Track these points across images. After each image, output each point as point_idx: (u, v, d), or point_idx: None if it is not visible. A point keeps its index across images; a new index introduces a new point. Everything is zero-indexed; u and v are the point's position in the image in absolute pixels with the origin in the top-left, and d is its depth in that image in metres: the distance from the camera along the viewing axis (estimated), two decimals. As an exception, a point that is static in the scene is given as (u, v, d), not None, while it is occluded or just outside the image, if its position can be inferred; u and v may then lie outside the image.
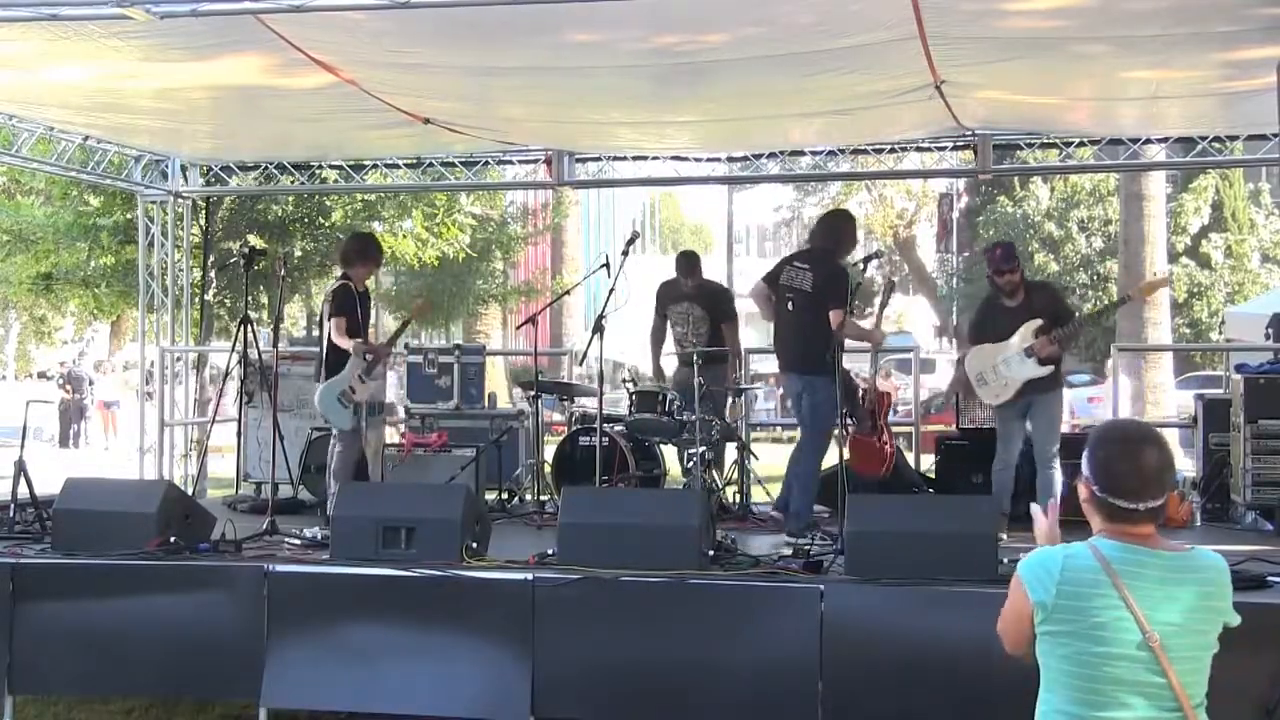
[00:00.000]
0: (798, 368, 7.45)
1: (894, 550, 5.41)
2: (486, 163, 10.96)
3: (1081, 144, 9.97)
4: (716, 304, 8.97)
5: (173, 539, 6.07)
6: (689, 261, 8.99)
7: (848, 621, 5.28)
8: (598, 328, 7.77)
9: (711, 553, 5.78)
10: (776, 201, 42.49)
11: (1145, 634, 2.60)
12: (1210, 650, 2.70)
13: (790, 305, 7.47)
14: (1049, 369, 7.05)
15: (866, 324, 7.60)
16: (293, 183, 11.36)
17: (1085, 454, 2.77)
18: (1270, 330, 10.60)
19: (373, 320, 8.12)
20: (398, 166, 10.89)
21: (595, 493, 7.13)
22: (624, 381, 8.90)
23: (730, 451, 8.84)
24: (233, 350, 9.19)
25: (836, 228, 7.81)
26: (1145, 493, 2.68)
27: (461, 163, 10.76)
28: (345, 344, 7.66)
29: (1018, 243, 29.62)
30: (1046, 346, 7.00)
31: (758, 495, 8.65)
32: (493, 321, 26.96)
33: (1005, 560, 5.51)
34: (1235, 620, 2.73)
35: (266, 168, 10.98)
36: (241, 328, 8.58)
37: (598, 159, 10.50)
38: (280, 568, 5.89)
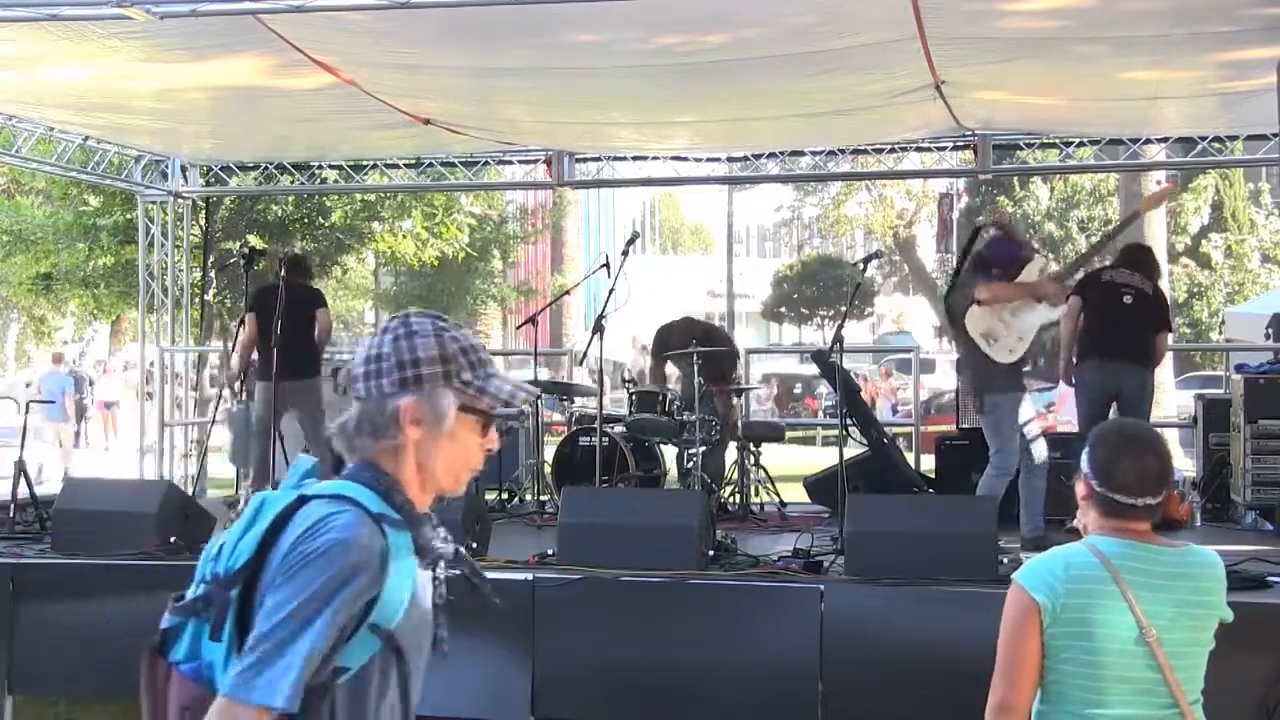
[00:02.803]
0: (1138, 359, 7.31)
1: (894, 550, 5.41)
2: (486, 163, 10.98)
3: (1081, 144, 9.98)
4: (724, 365, 8.75)
5: (173, 539, 6.07)
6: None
7: (848, 621, 5.28)
8: (598, 328, 7.77)
9: (711, 553, 5.78)
10: (776, 201, 42.42)
11: (1143, 629, 2.60)
12: (1206, 647, 2.70)
13: (1128, 299, 7.41)
14: (1060, 311, 6.84)
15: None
16: (293, 183, 11.38)
17: (1085, 452, 2.77)
18: (1270, 330, 10.61)
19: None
20: (398, 166, 10.89)
21: (595, 493, 7.12)
22: (625, 382, 8.87)
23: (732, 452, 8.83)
24: (233, 350, 9.20)
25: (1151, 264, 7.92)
26: (1144, 489, 2.69)
27: (461, 163, 10.78)
28: None
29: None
30: (1054, 287, 6.80)
31: (766, 495, 8.59)
32: (493, 321, 26.98)
33: (1005, 560, 5.52)
34: (1229, 616, 2.74)
35: (266, 168, 11.00)
36: (241, 328, 8.58)
37: (598, 159, 10.51)
38: (280, 568, 5.88)
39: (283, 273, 7.82)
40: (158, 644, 1.94)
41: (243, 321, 8.47)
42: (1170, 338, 8.09)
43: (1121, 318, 7.32)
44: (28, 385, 22.61)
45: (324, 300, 8.51)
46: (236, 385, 8.57)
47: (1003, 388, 6.72)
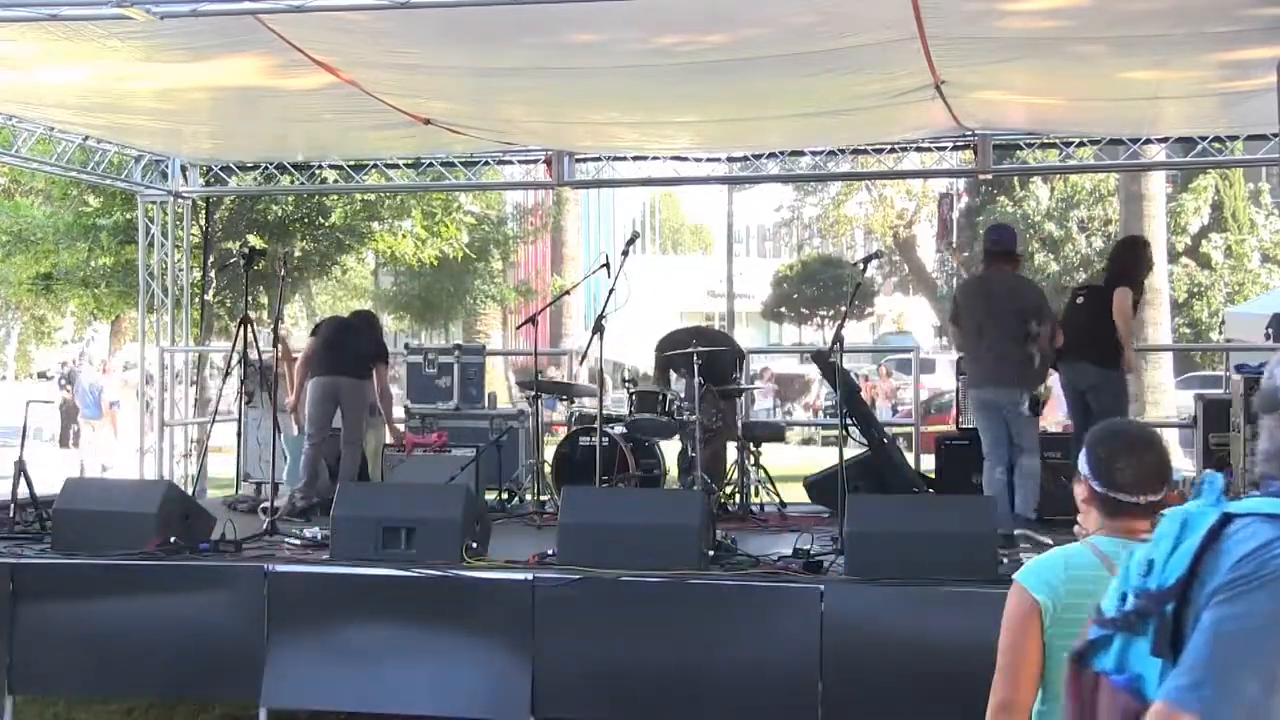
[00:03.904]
0: (1092, 359, 7.48)
1: (894, 550, 5.41)
2: (486, 163, 10.97)
3: (1081, 144, 9.99)
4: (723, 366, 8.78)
5: (173, 539, 6.07)
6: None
7: (848, 621, 5.28)
8: (598, 328, 7.77)
9: (711, 553, 5.78)
10: (776, 201, 42.45)
11: (1144, 630, 2.59)
12: (1209, 647, 2.69)
13: (1080, 300, 7.78)
14: None
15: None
16: (292, 183, 11.38)
17: (1083, 453, 2.77)
18: (1270, 330, 10.59)
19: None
20: (397, 166, 10.90)
21: (595, 493, 7.12)
22: (624, 382, 8.87)
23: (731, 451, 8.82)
24: (233, 350, 9.21)
25: (1122, 253, 8.14)
26: (1144, 487, 2.69)
27: (461, 163, 10.77)
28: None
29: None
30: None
31: (768, 496, 8.57)
32: (493, 321, 26.97)
33: (1005, 560, 5.53)
34: None
35: (266, 168, 11.00)
36: (241, 328, 8.58)
37: (598, 159, 10.50)
38: (280, 568, 5.89)
39: (357, 311, 9.28)
40: (1081, 653, 1.99)
41: (245, 322, 8.50)
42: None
43: (1073, 320, 7.61)
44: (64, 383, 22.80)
45: (387, 358, 8.82)
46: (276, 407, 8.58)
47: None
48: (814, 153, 10.21)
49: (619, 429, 8.52)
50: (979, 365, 7.16)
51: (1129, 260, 7.87)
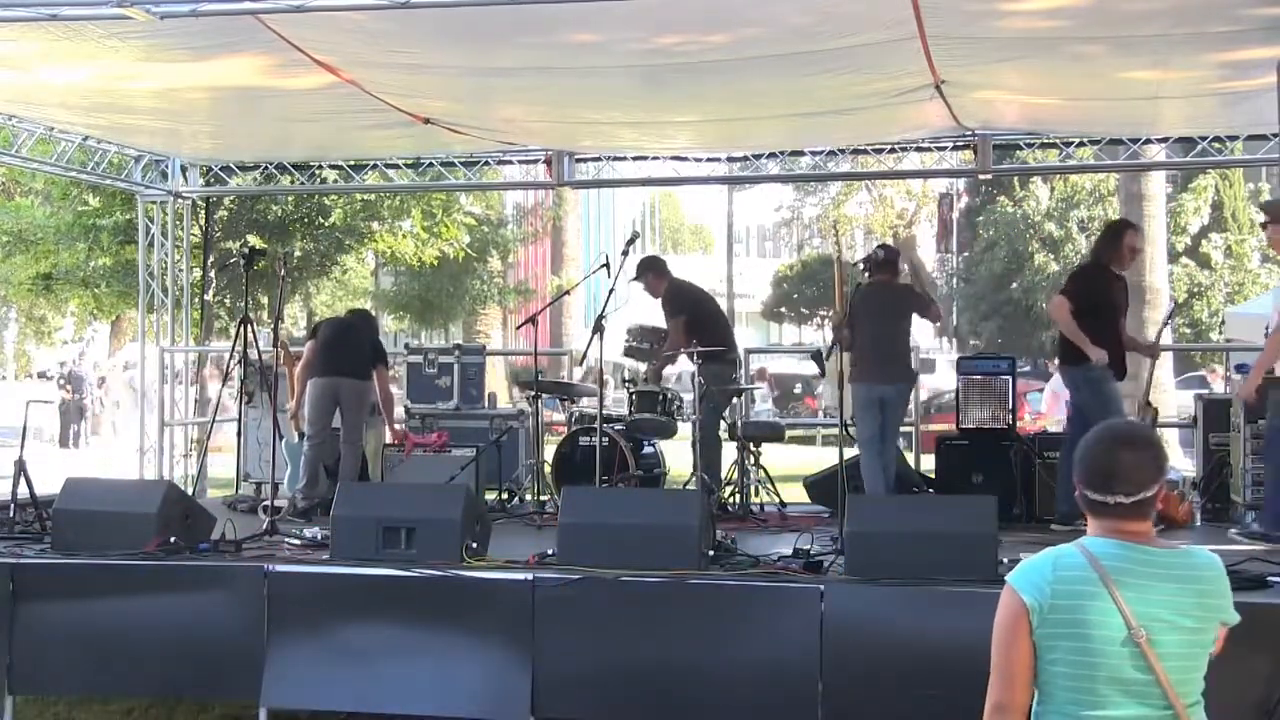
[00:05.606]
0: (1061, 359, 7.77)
1: (894, 550, 5.41)
2: (486, 163, 10.98)
3: (1081, 144, 9.99)
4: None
5: (173, 539, 6.07)
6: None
7: (848, 621, 5.28)
8: (598, 328, 7.77)
9: (711, 553, 5.78)
10: (776, 201, 42.44)
11: (1131, 629, 2.58)
12: (1206, 649, 2.68)
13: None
14: None
15: None
16: (292, 183, 11.38)
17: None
18: (1270, 330, 10.56)
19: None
20: (398, 166, 10.90)
21: (595, 493, 7.12)
22: (624, 382, 8.88)
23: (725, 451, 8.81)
24: (233, 350, 9.21)
25: (1099, 238, 8.21)
26: (1115, 486, 2.66)
27: (461, 163, 10.77)
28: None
29: (1017, 243, 29.61)
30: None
31: (766, 495, 8.56)
32: (493, 321, 26.93)
33: (1005, 560, 5.52)
34: (1234, 619, 2.71)
35: (266, 168, 11.00)
36: (241, 328, 8.59)
37: (598, 159, 10.50)
38: (280, 568, 5.89)
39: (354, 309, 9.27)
40: None
41: (245, 322, 8.51)
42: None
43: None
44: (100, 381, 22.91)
45: (386, 359, 8.71)
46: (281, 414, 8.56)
47: None
48: (814, 153, 10.20)
49: (619, 429, 8.52)
50: (872, 364, 7.54)
51: (1102, 245, 7.90)
